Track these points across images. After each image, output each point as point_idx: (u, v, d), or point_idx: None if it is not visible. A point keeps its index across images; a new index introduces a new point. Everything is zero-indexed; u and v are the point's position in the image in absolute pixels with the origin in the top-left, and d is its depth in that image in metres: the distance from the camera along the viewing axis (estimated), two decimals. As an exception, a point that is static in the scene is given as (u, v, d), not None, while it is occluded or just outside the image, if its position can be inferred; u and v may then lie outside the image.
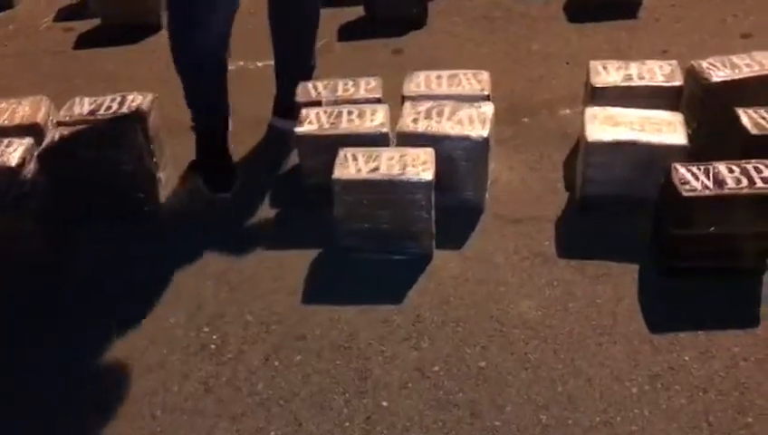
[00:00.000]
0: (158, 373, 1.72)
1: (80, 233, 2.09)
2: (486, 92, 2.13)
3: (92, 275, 1.99)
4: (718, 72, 2.07)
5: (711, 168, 1.76)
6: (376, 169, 1.87)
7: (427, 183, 1.84)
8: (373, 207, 1.89)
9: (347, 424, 1.58)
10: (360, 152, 1.91)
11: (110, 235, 2.08)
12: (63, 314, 1.88)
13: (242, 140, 2.45)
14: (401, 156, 1.89)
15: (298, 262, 1.98)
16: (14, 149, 2.02)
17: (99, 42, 3.11)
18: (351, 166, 1.88)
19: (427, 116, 2.02)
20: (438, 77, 2.19)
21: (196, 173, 2.26)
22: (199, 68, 2.12)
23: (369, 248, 1.95)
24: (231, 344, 1.77)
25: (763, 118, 1.90)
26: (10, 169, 1.98)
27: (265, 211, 2.17)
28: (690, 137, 1.94)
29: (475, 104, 2.05)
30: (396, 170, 1.85)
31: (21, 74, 2.98)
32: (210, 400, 1.65)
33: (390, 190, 1.86)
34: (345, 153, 1.92)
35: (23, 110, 2.21)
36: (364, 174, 1.86)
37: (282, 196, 2.21)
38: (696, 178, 1.74)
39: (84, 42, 3.15)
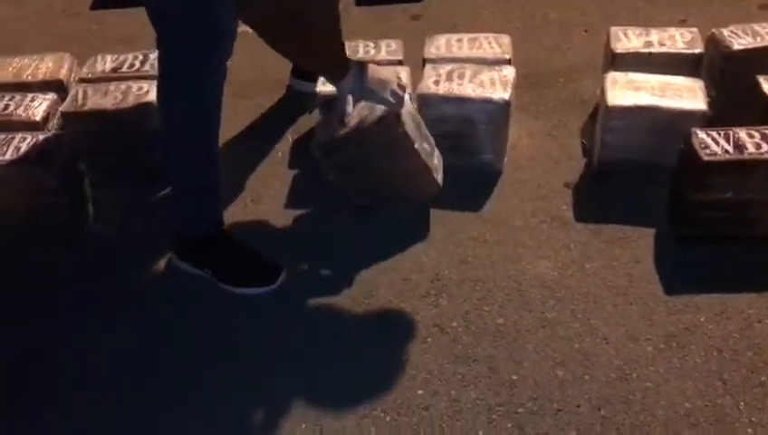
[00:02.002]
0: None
1: (103, 193, 2.09)
2: (508, 56, 2.14)
3: (115, 238, 1.99)
4: (740, 39, 2.08)
5: (731, 133, 1.77)
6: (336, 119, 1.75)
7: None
8: (359, 163, 1.81)
9: (367, 375, 1.61)
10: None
11: (133, 195, 2.09)
12: (86, 276, 1.89)
13: (260, 101, 2.46)
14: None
15: (317, 221, 2.00)
16: (39, 104, 2.05)
17: (116, 2, 3.10)
18: (327, 129, 1.80)
19: (449, 78, 2.03)
20: (459, 40, 2.20)
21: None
22: (215, 109, 1.69)
23: (381, 205, 1.95)
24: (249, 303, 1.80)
25: (785, 86, 1.91)
26: (35, 123, 2.00)
27: (284, 172, 2.19)
28: (709, 105, 1.95)
29: (497, 67, 2.06)
30: (365, 113, 1.73)
31: (37, 36, 2.98)
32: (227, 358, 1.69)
33: (365, 139, 1.75)
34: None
35: (45, 66, 2.23)
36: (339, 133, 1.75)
37: (301, 157, 2.22)
38: (716, 143, 1.75)
39: (101, 2, 3.15)
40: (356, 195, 1.94)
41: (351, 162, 1.81)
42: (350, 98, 1.68)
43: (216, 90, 1.67)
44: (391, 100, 1.68)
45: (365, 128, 1.74)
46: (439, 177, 1.87)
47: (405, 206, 1.96)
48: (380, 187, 1.89)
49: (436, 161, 1.88)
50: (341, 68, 1.62)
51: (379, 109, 1.72)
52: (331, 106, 1.77)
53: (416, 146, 1.77)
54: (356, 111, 1.77)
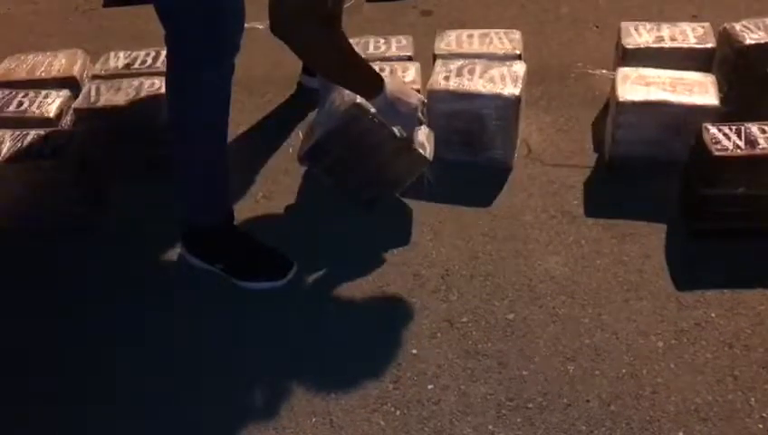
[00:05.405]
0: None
1: (116, 189, 2.10)
2: (518, 52, 2.14)
3: (128, 232, 2.00)
4: (752, 34, 2.06)
5: (743, 128, 1.76)
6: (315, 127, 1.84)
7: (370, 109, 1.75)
8: (344, 160, 1.83)
9: (377, 369, 1.62)
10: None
11: (146, 190, 2.08)
12: (98, 270, 1.91)
13: (270, 98, 2.47)
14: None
15: (327, 217, 2.01)
16: (52, 101, 2.07)
17: None
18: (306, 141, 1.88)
19: (459, 74, 2.03)
20: (470, 36, 2.20)
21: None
22: (224, 103, 1.70)
23: (383, 194, 1.95)
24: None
25: (797, 81, 1.90)
26: (48, 120, 2.02)
27: (294, 168, 2.19)
28: (721, 100, 1.94)
29: (507, 63, 2.06)
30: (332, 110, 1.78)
31: (51, 32, 3.00)
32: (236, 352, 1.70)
33: (338, 136, 1.79)
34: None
35: (59, 62, 2.25)
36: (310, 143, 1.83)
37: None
38: (728, 138, 1.75)
39: (114, -1, 3.17)
40: (356, 190, 1.95)
41: (337, 162, 1.84)
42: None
43: (223, 84, 1.67)
44: (412, 121, 1.74)
45: (335, 126, 1.78)
46: (428, 150, 1.87)
47: (403, 188, 1.95)
48: (373, 176, 1.90)
49: (421, 137, 1.87)
50: (374, 84, 1.66)
51: (344, 103, 1.75)
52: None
53: (389, 127, 1.78)
54: (324, 111, 1.82)
